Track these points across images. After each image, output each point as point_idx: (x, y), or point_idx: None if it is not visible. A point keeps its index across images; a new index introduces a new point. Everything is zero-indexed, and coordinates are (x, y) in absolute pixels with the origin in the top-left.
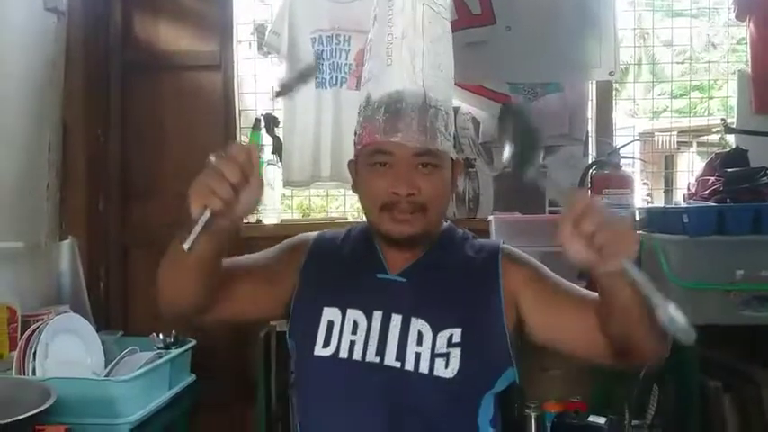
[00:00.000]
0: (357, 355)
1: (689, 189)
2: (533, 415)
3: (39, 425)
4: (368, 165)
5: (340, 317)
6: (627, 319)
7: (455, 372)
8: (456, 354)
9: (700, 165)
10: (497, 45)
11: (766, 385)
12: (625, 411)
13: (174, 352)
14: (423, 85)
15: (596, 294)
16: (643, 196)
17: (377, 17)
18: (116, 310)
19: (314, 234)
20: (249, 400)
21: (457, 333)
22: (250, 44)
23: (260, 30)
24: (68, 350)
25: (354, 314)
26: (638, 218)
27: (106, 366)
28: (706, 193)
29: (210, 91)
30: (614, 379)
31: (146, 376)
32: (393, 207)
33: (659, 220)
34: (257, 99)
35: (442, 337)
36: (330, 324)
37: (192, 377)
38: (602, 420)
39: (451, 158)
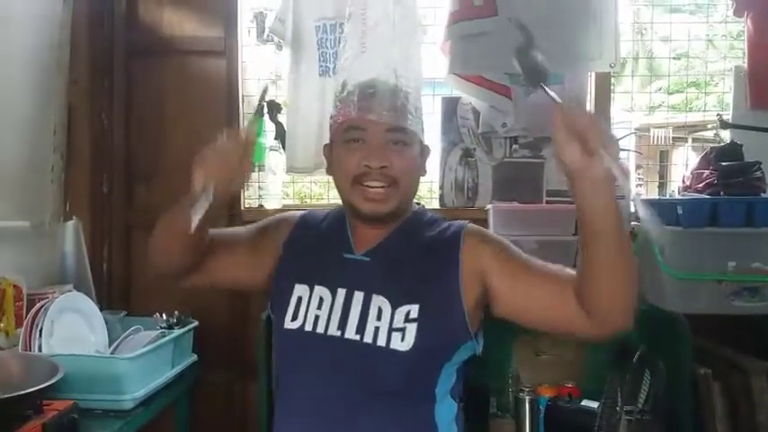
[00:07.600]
0: (320, 329)
1: (683, 182)
2: (527, 399)
3: (46, 399)
4: (342, 142)
5: (308, 293)
6: (606, 255)
7: (410, 345)
8: (412, 329)
9: (694, 160)
10: (498, 36)
11: (754, 373)
12: (617, 397)
13: (178, 331)
14: (395, 72)
15: (567, 269)
16: (638, 191)
17: (351, 14)
18: (119, 291)
19: (300, 213)
20: (250, 379)
21: (414, 309)
22: (249, 31)
23: (259, 17)
24: (73, 328)
25: (321, 291)
26: (632, 209)
27: (110, 345)
28: (700, 185)
29: (214, 76)
30: (607, 365)
31: (150, 354)
32: (364, 179)
33: (653, 211)
34: (259, 85)
35: (400, 312)
36: (299, 299)
37: (194, 357)
38: (594, 405)
39: (421, 143)
